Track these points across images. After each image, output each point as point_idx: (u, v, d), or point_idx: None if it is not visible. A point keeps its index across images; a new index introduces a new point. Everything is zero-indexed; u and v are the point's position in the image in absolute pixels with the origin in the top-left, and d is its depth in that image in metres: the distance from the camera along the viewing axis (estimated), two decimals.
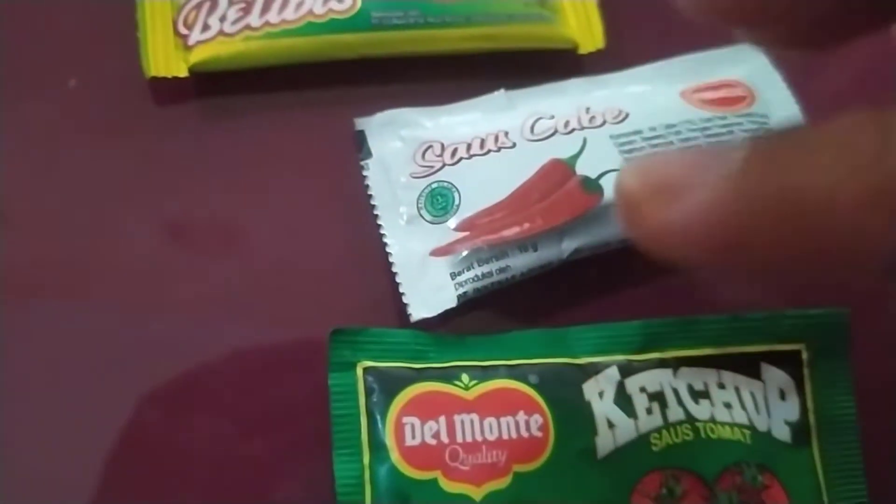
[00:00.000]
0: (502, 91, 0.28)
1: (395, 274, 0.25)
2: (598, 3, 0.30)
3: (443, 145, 0.27)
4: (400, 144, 0.27)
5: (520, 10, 0.29)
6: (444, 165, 0.27)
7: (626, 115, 0.28)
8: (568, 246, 0.26)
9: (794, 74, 0.29)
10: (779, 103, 0.29)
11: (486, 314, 0.26)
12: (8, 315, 0.24)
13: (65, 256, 0.25)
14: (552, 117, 0.27)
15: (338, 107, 0.28)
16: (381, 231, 0.26)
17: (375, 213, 0.26)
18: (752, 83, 0.29)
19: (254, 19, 0.26)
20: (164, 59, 0.26)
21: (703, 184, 0.15)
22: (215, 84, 0.27)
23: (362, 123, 0.27)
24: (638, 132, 0.27)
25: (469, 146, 0.27)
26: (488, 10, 0.28)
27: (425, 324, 0.25)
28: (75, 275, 0.25)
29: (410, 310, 0.25)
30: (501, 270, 0.25)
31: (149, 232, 0.26)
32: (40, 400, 0.24)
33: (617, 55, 0.30)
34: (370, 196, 0.27)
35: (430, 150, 0.27)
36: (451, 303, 0.25)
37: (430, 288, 0.25)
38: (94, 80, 0.26)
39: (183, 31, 0.26)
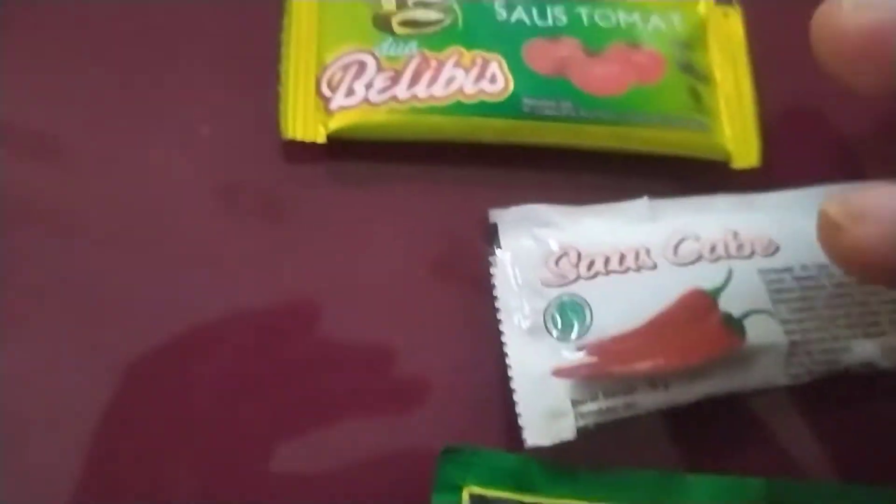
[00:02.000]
0: (646, 199, 0.26)
1: (512, 391, 0.23)
2: (758, 114, 0.28)
3: (579, 255, 0.25)
4: (533, 244, 0.25)
5: (676, 114, 0.27)
6: (578, 278, 0.24)
7: (777, 248, 0.25)
8: (701, 389, 0.23)
9: None
10: None
11: (600, 443, 0.24)
12: None
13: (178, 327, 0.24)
14: (698, 239, 0.25)
15: (472, 188, 0.26)
16: (502, 338, 0.24)
17: (498, 316, 0.24)
18: None
19: (401, 90, 0.24)
20: (303, 120, 0.24)
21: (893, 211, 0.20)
22: (349, 147, 0.25)
23: (496, 216, 0.25)
24: (789, 269, 0.25)
25: (608, 260, 0.25)
26: (643, 108, 0.26)
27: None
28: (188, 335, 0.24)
29: (525, 434, 0.23)
30: (628, 406, 0.23)
31: (262, 300, 0.24)
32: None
33: (769, 172, 0.28)
34: (495, 297, 0.25)
35: (565, 258, 0.25)
36: (570, 434, 0.23)
37: (548, 412, 0.23)
38: (227, 130, 0.25)
39: (326, 92, 0.24)
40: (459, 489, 0.22)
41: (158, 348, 0.24)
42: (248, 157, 0.25)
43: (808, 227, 0.26)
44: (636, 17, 0.28)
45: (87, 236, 0.24)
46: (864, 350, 0.24)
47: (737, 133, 0.28)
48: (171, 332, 0.24)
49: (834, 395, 0.25)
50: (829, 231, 0.21)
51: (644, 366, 0.23)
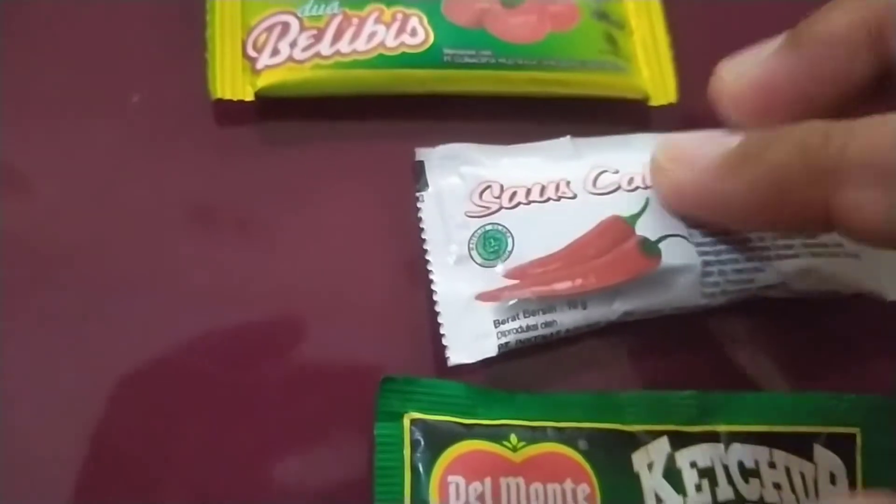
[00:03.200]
0: (568, 138, 0.27)
1: (437, 314, 0.25)
2: (673, 56, 0.30)
3: (502, 187, 0.26)
4: (458, 181, 0.26)
5: (593, 58, 0.28)
6: (500, 208, 0.26)
7: None
8: (619, 307, 0.25)
9: None
10: None
11: (528, 368, 0.25)
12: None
13: (114, 275, 0.25)
14: (616, 172, 0.27)
15: (400, 139, 0.27)
16: (429, 268, 0.26)
17: (425, 247, 0.26)
18: None
19: (324, 47, 0.26)
20: (231, 81, 0.26)
21: (706, 156, 0.23)
22: (278, 108, 0.26)
23: (423, 154, 0.27)
24: None
25: (529, 191, 0.26)
26: (561, 55, 0.28)
27: (464, 370, 0.24)
28: (128, 295, 0.25)
29: (449, 353, 0.24)
30: (547, 325, 0.24)
31: (200, 251, 0.25)
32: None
33: (688, 112, 0.29)
34: (422, 230, 0.26)
35: (488, 191, 0.26)
36: (492, 352, 0.24)
37: (472, 333, 0.25)
38: (157, 97, 0.26)
39: (252, 53, 0.26)
40: (400, 416, 0.23)
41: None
42: (178, 121, 0.26)
43: None
44: None
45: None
46: (776, 272, 0.25)
47: (653, 74, 0.29)
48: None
49: (751, 317, 0.26)
50: (654, 172, 0.25)
51: (563, 286, 0.24)
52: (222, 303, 0.25)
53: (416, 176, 0.26)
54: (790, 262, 0.26)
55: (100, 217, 0.26)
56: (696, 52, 0.30)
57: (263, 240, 0.26)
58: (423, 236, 0.26)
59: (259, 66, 0.26)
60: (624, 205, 0.26)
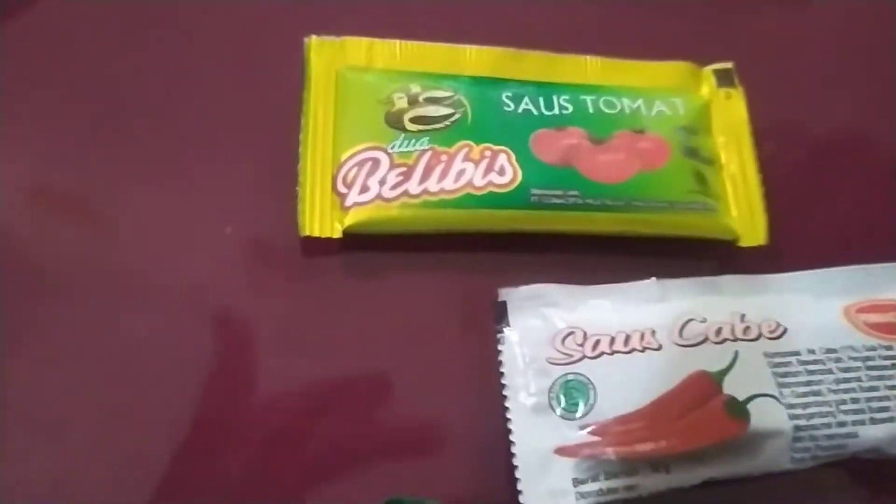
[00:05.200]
0: (654, 280, 0.27)
1: (515, 467, 0.24)
2: (764, 193, 0.29)
3: (585, 334, 0.26)
4: (540, 324, 0.26)
5: (681, 198, 0.28)
6: (583, 357, 0.25)
7: (784, 331, 0.26)
8: (703, 473, 0.24)
9: None
10: None
11: None
12: None
13: (210, 402, 0.25)
14: (704, 321, 0.26)
15: (482, 273, 0.27)
16: (507, 414, 0.25)
17: (504, 392, 0.26)
18: None
19: (413, 185, 0.26)
20: (320, 218, 0.26)
21: None
22: (364, 240, 0.27)
23: (505, 294, 0.26)
24: (795, 353, 0.26)
25: (613, 340, 0.26)
26: (649, 195, 0.27)
27: None
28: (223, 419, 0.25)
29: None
30: (629, 488, 0.24)
31: (286, 383, 0.26)
32: None
33: (777, 252, 0.29)
34: (502, 373, 0.26)
35: (571, 337, 0.26)
36: None
37: (549, 490, 0.24)
38: (249, 229, 0.27)
39: (342, 189, 0.26)
40: None
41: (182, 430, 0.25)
42: (268, 253, 0.27)
43: (815, 310, 0.28)
44: (640, 103, 0.29)
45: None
46: (871, 436, 0.24)
47: (743, 213, 0.28)
48: (201, 416, 0.25)
49: (839, 478, 0.25)
50: None
51: (646, 448, 0.24)
52: (300, 433, 0.25)
53: (498, 316, 0.26)
54: (886, 426, 0.25)
55: (192, 338, 0.26)
56: (786, 190, 0.30)
57: (343, 373, 0.26)
58: (502, 380, 0.25)
59: (348, 202, 0.26)
60: (711, 358, 0.25)
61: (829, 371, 0.25)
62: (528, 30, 0.31)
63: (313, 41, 0.28)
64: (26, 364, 0.25)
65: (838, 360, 0.26)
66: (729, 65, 0.30)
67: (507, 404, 0.25)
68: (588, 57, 0.30)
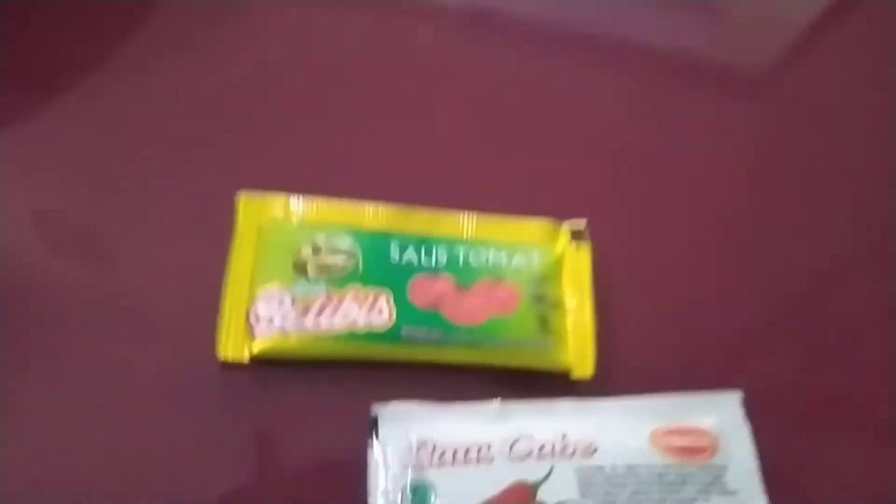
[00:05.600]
0: (498, 401, 0.34)
1: None
2: (596, 333, 0.36)
3: (434, 446, 0.33)
4: (402, 435, 0.33)
5: (527, 338, 0.35)
6: (430, 465, 0.32)
7: (595, 450, 0.33)
8: None
9: (761, 429, 0.33)
10: (740, 458, 0.33)
11: None
12: None
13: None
14: (532, 437, 0.33)
15: (364, 390, 0.34)
16: None
17: (368, 489, 0.32)
18: (721, 433, 0.33)
19: (308, 321, 0.33)
20: (234, 344, 0.33)
21: None
22: (270, 363, 0.34)
23: (378, 409, 0.33)
24: (601, 468, 0.32)
25: (455, 453, 0.32)
26: (500, 335, 0.34)
27: None
28: None
29: None
30: None
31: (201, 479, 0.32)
32: None
33: (608, 381, 0.36)
34: (368, 476, 0.32)
35: (423, 448, 0.32)
36: None
37: None
38: (180, 349, 0.34)
39: (252, 321, 0.33)
40: None
41: None
42: (194, 370, 0.34)
43: (627, 432, 0.34)
44: (503, 255, 0.36)
45: None
46: None
47: (577, 349, 0.35)
48: None
49: None
50: None
51: None
52: None
53: (370, 427, 0.33)
54: None
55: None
56: (617, 331, 0.37)
57: (249, 464, 0.33)
58: (368, 481, 0.32)
59: (256, 333, 0.33)
60: (532, 471, 0.32)
61: (626, 484, 0.32)
62: (420, 187, 0.38)
63: (243, 196, 0.36)
64: (30, 390, 0.32)
65: (636, 475, 0.32)
66: (582, 223, 0.38)
67: (369, 499, 0.32)
68: (466, 214, 0.37)
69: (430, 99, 0.42)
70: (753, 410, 0.34)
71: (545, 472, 0.32)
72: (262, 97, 0.41)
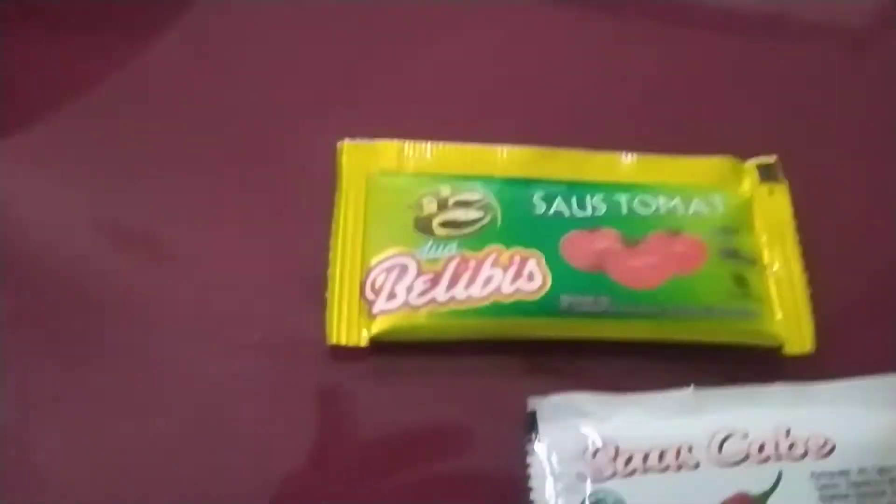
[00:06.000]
0: (691, 389, 0.26)
1: None
2: (811, 295, 0.28)
3: (617, 449, 0.25)
4: (571, 435, 0.25)
5: (720, 304, 0.26)
6: (615, 474, 0.24)
7: (833, 448, 0.24)
8: None
9: None
10: None
11: None
12: None
13: None
14: (746, 436, 0.25)
15: (512, 381, 0.27)
16: None
17: None
18: None
19: (440, 293, 0.26)
20: (347, 326, 0.26)
21: None
22: (393, 343, 0.26)
23: (535, 403, 0.26)
24: (844, 473, 0.24)
25: (646, 456, 0.24)
26: (685, 301, 0.26)
27: None
28: None
29: None
30: None
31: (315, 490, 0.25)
32: None
33: (825, 360, 0.27)
34: (530, 489, 0.25)
35: (602, 452, 0.25)
36: None
37: None
38: (278, 335, 0.27)
39: (370, 295, 0.26)
40: None
41: None
42: (295, 360, 0.26)
43: (868, 424, 0.26)
44: (676, 201, 0.28)
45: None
46: None
47: (788, 317, 0.27)
48: None
49: None
50: None
51: None
52: None
53: (528, 427, 0.25)
54: None
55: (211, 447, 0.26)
56: (836, 292, 0.29)
57: (369, 483, 0.25)
58: (530, 496, 0.25)
59: (375, 310, 0.26)
60: (752, 479, 0.24)
61: (882, 493, 0.24)
62: (561, 127, 0.31)
63: (345, 144, 0.29)
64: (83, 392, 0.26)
65: (893, 480, 0.24)
66: (772, 159, 0.30)
67: None
68: (622, 153, 0.29)
69: (558, 18, 0.34)
70: None
71: (772, 479, 0.24)
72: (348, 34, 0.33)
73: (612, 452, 0.25)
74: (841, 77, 0.33)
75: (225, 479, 0.25)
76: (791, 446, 0.24)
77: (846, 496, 0.24)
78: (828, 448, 0.24)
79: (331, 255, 0.27)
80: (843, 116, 0.32)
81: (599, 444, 0.25)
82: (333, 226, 0.27)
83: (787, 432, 0.25)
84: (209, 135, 0.31)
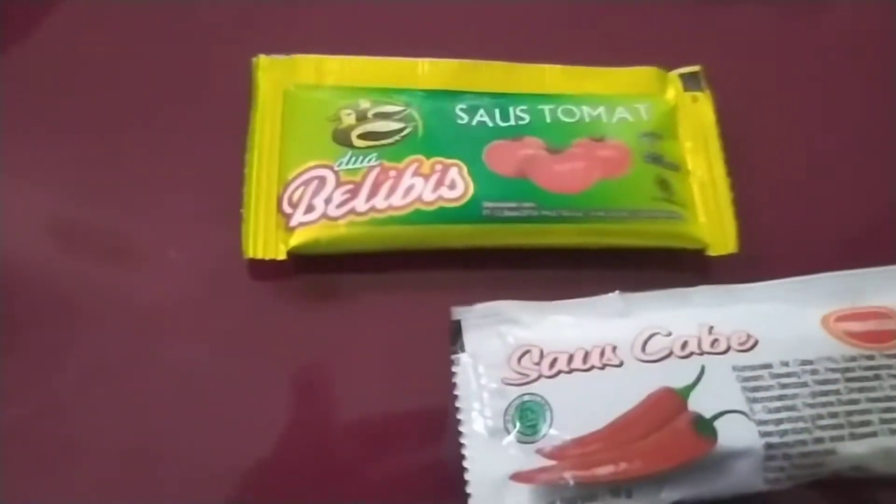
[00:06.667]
0: (617, 293, 0.26)
1: (468, 495, 0.23)
2: (734, 199, 0.28)
3: (542, 352, 0.24)
4: (496, 343, 0.25)
5: (645, 206, 0.26)
6: (540, 376, 0.24)
7: (756, 343, 0.24)
8: (668, 496, 0.22)
9: None
10: None
11: None
12: None
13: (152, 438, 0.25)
14: (669, 334, 0.25)
15: (436, 291, 0.26)
16: (461, 439, 0.24)
17: (458, 416, 0.24)
18: None
19: (360, 203, 0.25)
20: (264, 240, 0.25)
21: None
22: (314, 261, 0.26)
23: (460, 314, 0.25)
24: (767, 366, 0.24)
25: (571, 357, 0.24)
26: (611, 204, 0.26)
27: None
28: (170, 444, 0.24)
29: None
30: None
31: (241, 405, 0.25)
32: None
33: (752, 262, 0.27)
34: (456, 396, 0.25)
35: (527, 356, 0.25)
36: None
37: None
38: (194, 252, 0.26)
39: (287, 209, 0.25)
40: None
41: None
42: (213, 276, 0.26)
43: (791, 320, 0.26)
44: (601, 110, 0.28)
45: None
46: (851, 453, 0.23)
47: (712, 220, 0.27)
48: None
49: (818, 500, 0.24)
50: None
51: (605, 472, 0.22)
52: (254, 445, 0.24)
53: (453, 336, 0.25)
54: (867, 441, 0.23)
55: (137, 373, 0.25)
56: (759, 195, 0.29)
57: (291, 399, 0.25)
58: (456, 403, 0.24)
59: (293, 222, 0.25)
60: (676, 374, 0.24)
61: (805, 384, 0.24)
62: (485, 40, 0.30)
63: (261, 60, 0.28)
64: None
65: (815, 371, 0.24)
66: (696, 68, 0.29)
67: (461, 429, 0.24)
68: (547, 65, 0.29)
69: None
70: None
71: (695, 373, 0.24)
72: None
73: (536, 356, 0.24)
74: None
75: (153, 406, 0.25)
76: (714, 342, 0.24)
77: (769, 387, 0.24)
78: (750, 343, 0.24)
79: (246, 171, 0.26)
80: (763, 27, 0.32)
81: (524, 349, 0.25)
82: (249, 141, 0.26)
83: (710, 329, 0.25)
84: (125, 69, 0.30)
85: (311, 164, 0.26)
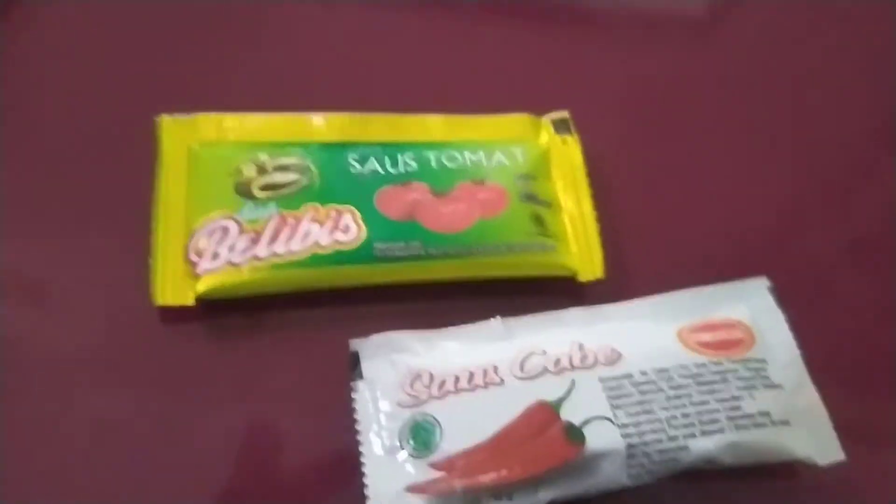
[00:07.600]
0: (498, 319, 0.29)
1: None
2: (600, 231, 0.31)
3: (432, 375, 0.27)
4: (390, 370, 0.27)
5: (521, 240, 0.30)
6: (430, 398, 0.27)
7: (619, 356, 0.28)
8: (544, 496, 0.25)
9: (799, 315, 0.29)
10: (780, 347, 0.29)
11: None
12: None
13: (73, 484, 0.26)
14: (544, 353, 0.28)
15: (336, 327, 0.28)
16: (361, 459, 0.26)
17: (358, 438, 0.27)
18: (754, 324, 0.29)
19: (261, 249, 0.27)
20: (173, 287, 0.27)
21: None
22: (221, 305, 0.28)
23: (357, 345, 0.28)
24: (628, 376, 0.27)
25: (458, 379, 0.27)
26: (490, 240, 0.29)
27: None
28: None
29: None
30: None
31: (154, 452, 0.26)
32: None
33: (620, 285, 0.31)
34: (356, 420, 0.27)
35: (419, 380, 0.27)
36: None
37: None
38: (104, 302, 0.28)
39: (193, 258, 0.27)
40: None
41: None
42: (127, 324, 0.28)
43: (650, 334, 0.29)
44: (481, 155, 0.31)
45: None
46: (702, 448, 0.26)
47: (581, 250, 0.31)
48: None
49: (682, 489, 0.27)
50: None
51: (487, 478, 0.25)
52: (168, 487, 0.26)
53: (352, 366, 0.28)
54: (716, 437, 0.27)
55: (52, 424, 0.27)
56: (621, 226, 0.32)
57: (203, 435, 0.27)
58: (356, 427, 0.27)
59: (199, 270, 0.27)
60: (550, 388, 0.27)
61: (661, 389, 0.27)
62: (375, 96, 0.33)
63: (164, 120, 0.30)
64: None
65: (669, 378, 0.27)
66: (565, 113, 0.33)
67: (361, 449, 0.26)
68: (430, 115, 0.32)
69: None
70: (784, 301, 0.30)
71: (566, 387, 0.27)
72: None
73: (426, 380, 0.27)
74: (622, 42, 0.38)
75: (70, 458, 0.26)
76: (583, 358, 0.28)
77: (630, 394, 0.27)
78: (615, 356, 0.28)
79: (153, 223, 0.28)
80: (619, 73, 0.36)
81: (415, 374, 0.27)
82: (155, 195, 0.29)
83: (580, 346, 0.28)
84: (38, 119, 0.31)
85: (215, 214, 0.28)
